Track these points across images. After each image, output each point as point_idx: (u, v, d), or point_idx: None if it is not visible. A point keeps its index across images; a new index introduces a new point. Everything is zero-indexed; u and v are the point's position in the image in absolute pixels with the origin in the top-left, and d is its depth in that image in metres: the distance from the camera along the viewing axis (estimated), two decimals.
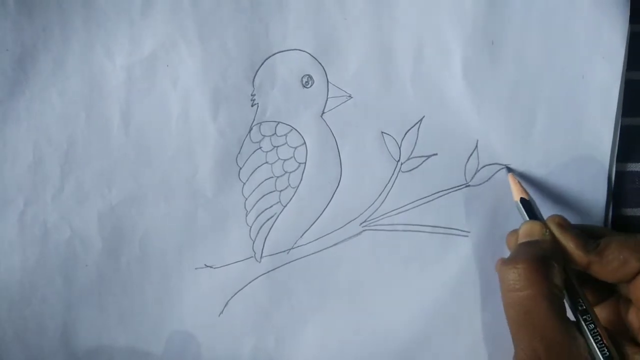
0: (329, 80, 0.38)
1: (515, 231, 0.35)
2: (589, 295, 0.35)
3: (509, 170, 0.38)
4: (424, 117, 0.38)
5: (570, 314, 0.32)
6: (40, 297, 0.38)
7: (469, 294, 0.39)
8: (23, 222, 0.38)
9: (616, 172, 0.39)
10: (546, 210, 0.38)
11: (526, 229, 0.34)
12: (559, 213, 0.38)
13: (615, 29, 0.37)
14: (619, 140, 0.38)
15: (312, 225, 0.39)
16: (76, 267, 0.38)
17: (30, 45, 0.37)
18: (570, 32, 0.38)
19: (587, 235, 0.34)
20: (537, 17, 0.38)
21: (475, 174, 0.39)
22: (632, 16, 0.37)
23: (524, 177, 0.38)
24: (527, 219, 0.35)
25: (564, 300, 0.32)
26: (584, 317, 0.32)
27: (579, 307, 0.32)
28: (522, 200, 0.36)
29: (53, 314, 0.38)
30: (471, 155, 0.38)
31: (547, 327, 0.30)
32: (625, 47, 0.37)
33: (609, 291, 0.36)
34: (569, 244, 0.33)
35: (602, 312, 0.36)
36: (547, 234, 0.33)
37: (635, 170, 0.40)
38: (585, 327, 0.32)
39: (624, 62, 0.37)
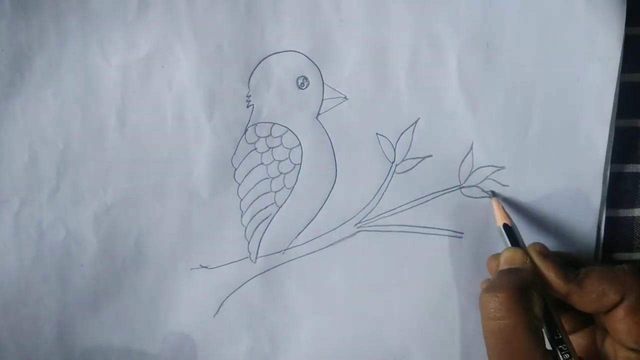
0: (325, 81, 0.38)
1: (496, 256, 0.36)
2: (567, 322, 0.35)
3: (493, 194, 0.38)
4: (419, 119, 0.38)
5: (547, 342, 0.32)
6: (36, 298, 0.38)
7: (463, 294, 0.39)
8: (18, 223, 0.38)
9: (611, 173, 0.39)
10: (541, 214, 0.38)
11: (508, 256, 0.34)
12: (554, 215, 0.38)
13: (611, 31, 0.37)
14: (614, 142, 0.39)
15: (307, 226, 0.39)
16: (72, 268, 0.38)
17: (26, 45, 0.37)
18: (566, 34, 0.38)
19: (568, 264, 0.34)
20: (532, 19, 0.38)
21: (470, 175, 0.39)
22: (627, 19, 0.37)
23: (519, 182, 0.38)
24: (509, 245, 0.35)
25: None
26: (560, 346, 0.32)
27: (556, 337, 0.33)
28: (505, 226, 0.36)
29: (48, 314, 0.38)
30: (466, 157, 0.39)
31: (527, 357, 0.30)
32: (621, 49, 0.37)
33: (587, 320, 0.36)
34: (549, 272, 0.33)
35: (579, 340, 0.36)
36: (528, 262, 0.34)
37: (630, 171, 0.40)
38: (560, 356, 0.32)
39: (619, 65, 0.37)
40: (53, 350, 0.38)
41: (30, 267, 0.38)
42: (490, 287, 0.32)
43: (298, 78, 0.38)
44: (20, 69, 0.37)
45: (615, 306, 0.32)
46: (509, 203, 0.39)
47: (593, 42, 0.37)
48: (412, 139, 0.38)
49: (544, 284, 0.33)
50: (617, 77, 0.38)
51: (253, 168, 0.38)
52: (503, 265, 0.34)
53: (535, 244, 0.35)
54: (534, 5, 0.37)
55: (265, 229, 0.39)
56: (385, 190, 0.39)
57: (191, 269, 0.39)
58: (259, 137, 0.38)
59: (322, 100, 0.38)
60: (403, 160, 0.39)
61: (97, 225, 0.38)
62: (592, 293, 0.32)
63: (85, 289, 0.38)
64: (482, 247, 0.39)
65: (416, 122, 0.38)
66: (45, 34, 0.37)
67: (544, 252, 0.34)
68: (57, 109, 0.37)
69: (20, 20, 0.37)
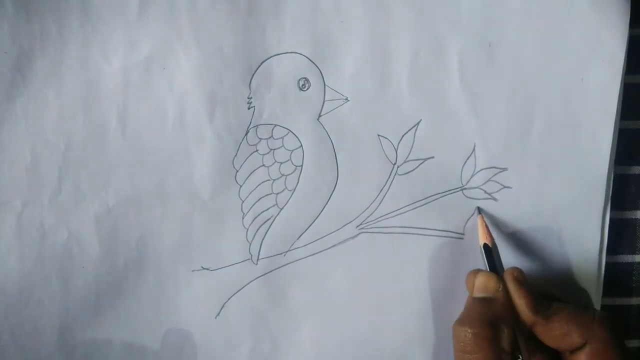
0: (326, 83, 0.38)
1: (475, 272, 0.36)
2: (538, 354, 0.35)
3: (479, 211, 0.38)
4: (420, 120, 0.38)
5: None
6: (37, 299, 0.38)
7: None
8: (20, 224, 0.38)
9: (615, 175, 0.39)
10: (545, 216, 0.38)
11: (482, 282, 0.35)
12: (557, 217, 0.38)
13: (615, 32, 0.37)
14: (618, 143, 0.38)
15: (308, 227, 0.39)
16: (73, 269, 0.38)
17: (28, 47, 0.37)
18: (569, 34, 0.37)
19: (546, 295, 0.35)
20: (535, 19, 0.37)
21: (472, 177, 0.38)
22: (631, 19, 0.37)
23: (522, 184, 0.38)
24: (487, 267, 0.36)
25: None
26: None
27: None
28: (485, 246, 0.36)
29: (50, 315, 0.38)
30: (468, 158, 0.38)
31: None
32: (625, 50, 0.37)
33: (557, 354, 0.36)
34: (520, 300, 0.34)
35: None
36: (500, 289, 0.34)
37: (634, 173, 0.40)
38: None
39: (623, 66, 0.37)
40: (54, 352, 0.39)
41: (31, 269, 0.38)
42: (462, 320, 0.33)
43: (299, 79, 0.38)
44: (22, 70, 0.37)
45: (578, 349, 0.33)
46: (510, 208, 0.38)
47: (597, 42, 0.37)
48: (413, 140, 0.38)
49: (514, 312, 0.34)
50: (621, 78, 0.37)
51: (254, 170, 0.38)
52: (477, 291, 0.35)
53: (512, 270, 0.35)
54: (537, 5, 0.37)
55: (267, 231, 0.39)
56: (386, 192, 0.39)
57: (192, 271, 0.39)
58: (260, 138, 0.38)
59: (324, 101, 0.38)
60: (405, 162, 0.38)
61: (98, 226, 0.38)
62: (556, 330, 0.33)
63: (86, 290, 0.38)
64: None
65: (418, 123, 0.38)
66: (47, 35, 0.37)
67: (519, 279, 0.35)
68: (58, 110, 0.37)
69: (22, 22, 0.37)
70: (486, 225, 0.37)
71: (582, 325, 0.33)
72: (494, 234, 0.38)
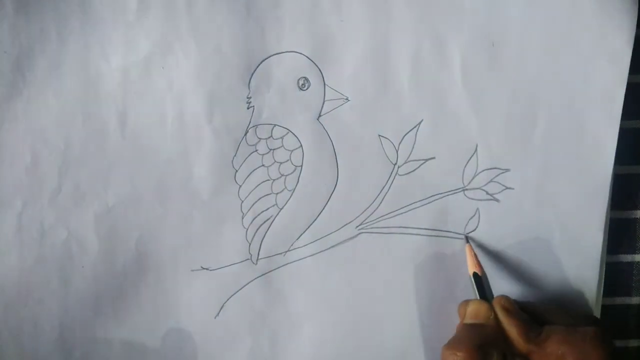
0: (326, 82, 0.38)
1: (466, 302, 0.36)
2: None
3: (467, 240, 0.38)
4: (422, 120, 0.38)
5: None
6: (37, 299, 0.38)
7: (464, 296, 0.38)
8: (20, 223, 0.38)
9: (615, 174, 0.38)
10: (546, 216, 0.38)
11: (473, 310, 0.35)
12: (559, 217, 0.38)
13: (621, 32, 0.36)
14: (618, 143, 0.38)
15: (308, 227, 0.39)
16: (73, 269, 0.38)
17: (27, 47, 0.37)
18: (573, 34, 0.37)
19: (535, 318, 0.35)
20: (538, 19, 0.37)
21: (474, 178, 0.38)
22: (637, 19, 0.36)
23: (524, 184, 0.38)
24: (477, 296, 0.36)
25: None
26: None
27: None
28: (475, 275, 0.36)
29: (49, 315, 0.38)
30: (470, 159, 0.38)
31: None
32: (631, 50, 0.36)
33: None
34: (512, 330, 0.34)
35: None
36: (492, 317, 0.35)
37: (637, 173, 0.39)
38: None
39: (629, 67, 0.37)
40: (53, 351, 0.39)
41: (31, 268, 0.38)
42: (452, 344, 0.34)
43: (299, 79, 0.38)
44: (22, 70, 0.37)
45: None
46: (512, 209, 0.38)
47: (602, 42, 0.37)
48: (415, 140, 0.38)
49: (506, 340, 0.34)
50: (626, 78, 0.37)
51: (254, 170, 0.38)
52: (468, 318, 0.35)
53: (500, 298, 0.35)
54: (540, 4, 0.37)
55: (267, 231, 0.39)
56: (387, 192, 0.38)
57: (192, 271, 0.39)
58: (260, 138, 0.38)
59: (324, 101, 0.38)
60: (405, 162, 0.38)
61: (98, 226, 0.38)
62: (551, 355, 0.33)
63: (86, 290, 0.39)
64: (485, 250, 0.38)
65: (419, 123, 0.38)
66: (47, 35, 0.37)
67: (508, 308, 0.35)
68: (58, 110, 0.37)
69: (22, 22, 0.37)
70: (474, 254, 0.37)
71: (575, 345, 0.33)
72: (496, 236, 0.38)
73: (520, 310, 0.35)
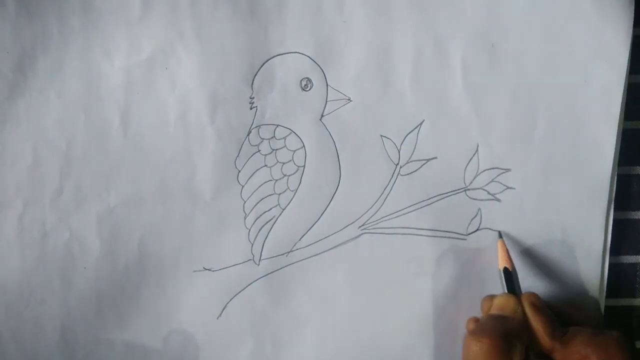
0: (328, 83, 0.38)
1: (491, 297, 0.36)
2: None
3: (500, 236, 0.38)
4: (423, 120, 0.38)
5: None
6: (39, 299, 0.38)
7: (467, 297, 0.39)
8: (22, 224, 0.38)
9: (618, 175, 0.38)
10: (547, 217, 0.38)
11: (501, 302, 0.35)
12: (560, 218, 0.38)
13: (618, 32, 0.37)
14: (622, 144, 0.38)
15: (310, 228, 0.39)
16: (74, 269, 0.38)
17: (29, 47, 0.37)
18: (572, 35, 0.37)
19: (561, 317, 0.35)
20: (538, 20, 0.37)
21: (475, 178, 0.38)
22: (635, 19, 0.36)
23: (526, 184, 0.38)
24: (506, 290, 0.36)
25: None
26: None
27: None
28: (505, 270, 0.37)
29: (51, 316, 0.38)
30: (471, 159, 0.38)
31: None
32: (629, 50, 0.37)
33: None
34: (538, 326, 0.34)
35: None
36: (519, 311, 0.35)
37: (638, 173, 0.40)
38: None
39: (627, 66, 0.37)
40: (55, 352, 0.38)
41: (33, 269, 0.38)
42: (476, 331, 0.33)
43: (301, 80, 0.38)
44: (24, 70, 0.37)
45: None
46: (513, 209, 0.38)
47: (600, 43, 0.37)
48: (416, 140, 0.38)
49: (531, 336, 0.34)
50: (625, 79, 0.37)
51: (256, 170, 0.38)
52: (495, 309, 0.35)
53: (529, 294, 0.36)
54: (540, 5, 0.37)
55: (269, 231, 0.39)
56: (389, 192, 0.38)
57: (194, 271, 0.39)
58: (263, 139, 0.38)
59: (326, 101, 0.38)
60: (407, 162, 0.38)
61: (100, 227, 0.38)
62: (575, 355, 0.33)
63: (88, 291, 0.38)
64: (486, 250, 0.38)
65: (421, 124, 0.38)
66: (49, 35, 0.37)
67: (536, 304, 0.35)
68: (60, 110, 0.37)
69: (24, 22, 0.37)
70: (507, 250, 0.37)
71: (600, 347, 0.33)
72: (495, 236, 0.38)
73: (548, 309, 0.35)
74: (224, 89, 0.37)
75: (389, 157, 0.38)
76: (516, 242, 0.39)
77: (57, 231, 0.38)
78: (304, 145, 0.38)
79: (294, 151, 0.38)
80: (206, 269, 0.39)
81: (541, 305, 0.35)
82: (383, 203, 0.39)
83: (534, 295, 0.36)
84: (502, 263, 0.37)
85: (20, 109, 0.37)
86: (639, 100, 0.38)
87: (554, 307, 0.36)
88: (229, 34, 0.37)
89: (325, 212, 0.39)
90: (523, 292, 0.36)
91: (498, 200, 0.38)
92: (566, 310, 0.37)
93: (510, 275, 0.36)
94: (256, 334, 0.39)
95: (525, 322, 0.34)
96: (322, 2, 0.37)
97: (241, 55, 0.37)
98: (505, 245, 0.38)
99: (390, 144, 0.38)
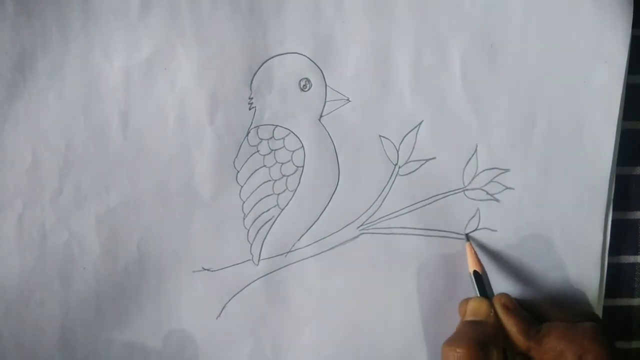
0: (327, 83, 0.38)
1: (466, 300, 0.36)
2: None
3: (468, 238, 0.38)
4: (422, 121, 0.38)
5: None
6: (38, 300, 0.38)
7: (466, 296, 0.38)
8: (21, 225, 0.38)
9: (617, 176, 0.38)
10: (547, 217, 0.38)
11: (474, 306, 0.36)
12: (559, 218, 0.38)
13: (617, 33, 0.37)
14: (621, 144, 0.38)
15: (309, 228, 0.39)
16: (74, 270, 0.38)
17: (29, 48, 0.37)
18: (572, 35, 0.37)
19: (536, 315, 0.35)
20: (537, 20, 0.37)
21: (474, 178, 0.38)
22: (633, 20, 0.36)
23: (524, 185, 0.38)
24: (478, 294, 0.36)
25: None
26: None
27: None
28: (475, 273, 0.37)
29: (51, 316, 0.38)
30: (470, 159, 0.38)
31: None
32: (628, 51, 0.37)
33: None
34: (512, 327, 0.34)
35: None
36: (492, 314, 0.35)
37: (637, 174, 0.40)
38: None
39: (626, 67, 0.37)
40: (55, 352, 0.38)
41: (32, 270, 0.38)
42: (452, 340, 0.34)
43: (300, 80, 0.38)
44: (23, 71, 0.37)
45: None
46: (512, 209, 0.38)
47: (599, 43, 0.37)
48: (415, 141, 0.38)
49: (506, 337, 0.34)
50: (624, 79, 0.37)
51: (255, 170, 0.38)
52: (468, 315, 0.36)
53: (501, 296, 0.36)
54: (539, 6, 0.37)
55: (268, 232, 0.39)
56: (388, 193, 0.39)
57: (193, 272, 0.39)
58: (261, 139, 0.38)
59: (325, 102, 0.38)
60: (406, 163, 0.38)
61: (99, 227, 0.38)
62: (550, 351, 0.33)
63: (87, 291, 0.38)
64: (486, 250, 0.39)
65: (420, 124, 0.38)
66: (48, 36, 0.37)
67: (508, 305, 0.35)
68: (59, 111, 0.37)
69: (23, 23, 0.37)
70: (475, 253, 0.37)
71: (574, 341, 0.33)
72: (496, 235, 0.38)
73: (521, 308, 0.35)
74: (223, 90, 0.37)
75: (388, 157, 0.38)
76: (515, 242, 0.39)
77: (57, 232, 0.38)
78: (302, 146, 0.38)
79: (293, 151, 0.38)
80: (205, 269, 0.39)
81: (513, 306, 0.35)
82: (382, 203, 0.39)
83: (506, 296, 0.36)
84: (471, 266, 0.37)
85: (20, 109, 0.37)
86: (638, 101, 0.39)
87: (528, 305, 0.36)
88: (228, 35, 0.37)
89: (324, 212, 0.39)
90: (523, 292, 0.36)
91: (497, 200, 0.39)
92: (540, 307, 0.37)
93: (480, 278, 0.36)
94: (255, 334, 0.39)
95: (499, 324, 0.35)
96: (321, 2, 0.37)
97: (240, 55, 0.37)
98: (473, 249, 0.38)
99: (389, 144, 0.38)
